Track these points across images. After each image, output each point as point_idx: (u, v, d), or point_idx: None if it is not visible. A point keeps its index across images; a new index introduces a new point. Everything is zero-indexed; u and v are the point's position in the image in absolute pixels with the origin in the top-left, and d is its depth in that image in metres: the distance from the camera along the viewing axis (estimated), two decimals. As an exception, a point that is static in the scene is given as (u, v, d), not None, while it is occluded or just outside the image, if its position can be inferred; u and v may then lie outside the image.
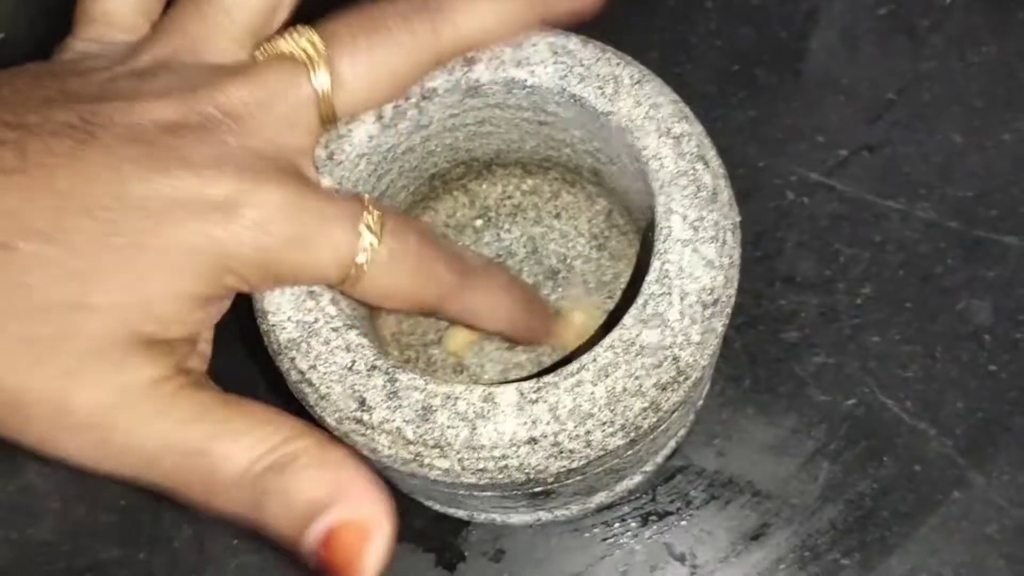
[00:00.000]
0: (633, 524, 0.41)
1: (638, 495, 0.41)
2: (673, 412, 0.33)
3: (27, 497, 0.44)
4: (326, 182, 0.34)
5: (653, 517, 0.41)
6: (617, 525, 0.41)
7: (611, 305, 0.41)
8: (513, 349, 0.41)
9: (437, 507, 0.40)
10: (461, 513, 0.40)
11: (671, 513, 0.41)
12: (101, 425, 0.24)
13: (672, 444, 0.39)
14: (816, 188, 0.45)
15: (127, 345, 0.24)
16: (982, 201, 0.44)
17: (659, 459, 0.40)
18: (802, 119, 0.46)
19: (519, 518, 0.40)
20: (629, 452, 0.33)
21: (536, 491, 0.34)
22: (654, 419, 0.31)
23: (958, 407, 0.40)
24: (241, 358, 0.45)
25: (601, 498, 0.40)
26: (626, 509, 0.41)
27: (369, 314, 0.39)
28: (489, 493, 0.34)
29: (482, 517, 0.40)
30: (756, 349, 0.42)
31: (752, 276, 0.43)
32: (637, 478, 0.39)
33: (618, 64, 0.34)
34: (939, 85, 0.46)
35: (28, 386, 0.22)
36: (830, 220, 0.44)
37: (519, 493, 0.34)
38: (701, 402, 0.39)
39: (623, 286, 0.41)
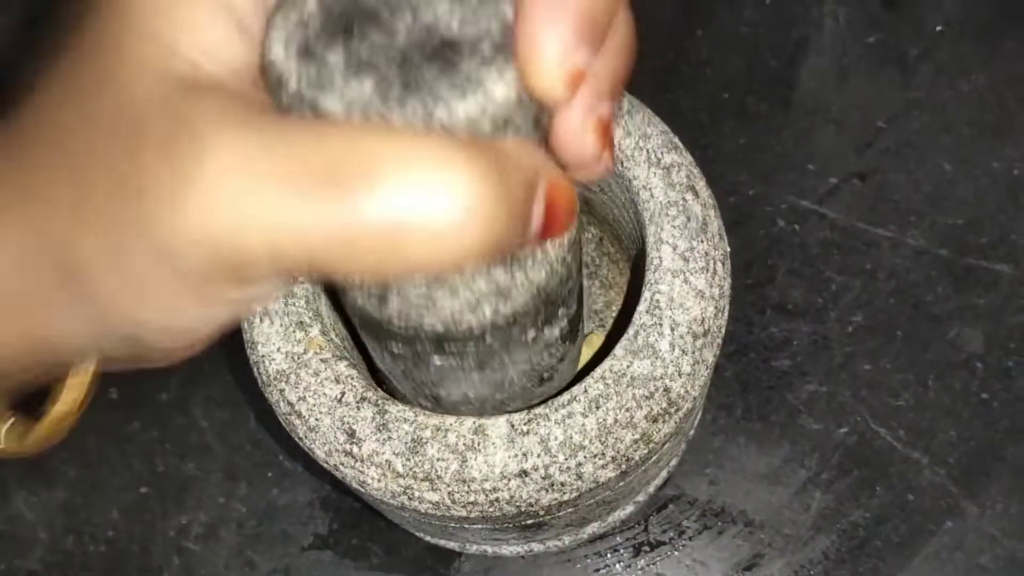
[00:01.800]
0: (626, 555, 0.41)
1: (630, 525, 0.41)
2: (664, 443, 0.33)
3: (15, 527, 0.44)
4: None
5: (646, 547, 0.41)
6: (609, 555, 0.41)
7: (603, 333, 0.41)
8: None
9: (428, 538, 0.40)
10: (452, 544, 0.40)
11: (664, 543, 0.41)
12: None
13: (664, 474, 0.39)
14: (807, 216, 0.45)
15: None
16: (972, 229, 0.44)
17: (651, 489, 0.39)
18: (793, 147, 0.47)
19: (511, 549, 0.40)
20: (620, 483, 0.33)
21: (527, 523, 0.34)
22: (645, 451, 0.31)
23: (951, 436, 0.40)
24: (231, 388, 0.45)
25: (593, 529, 0.39)
26: (618, 539, 0.41)
27: (359, 345, 0.39)
28: (480, 526, 0.34)
29: (473, 548, 0.40)
30: (748, 377, 0.42)
31: (743, 304, 0.43)
32: (629, 508, 0.39)
33: (608, 94, 0.34)
34: (929, 114, 0.46)
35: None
36: (821, 248, 0.44)
37: (510, 525, 0.34)
38: (693, 432, 0.39)
39: (614, 314, 0.41)
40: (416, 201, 0.17)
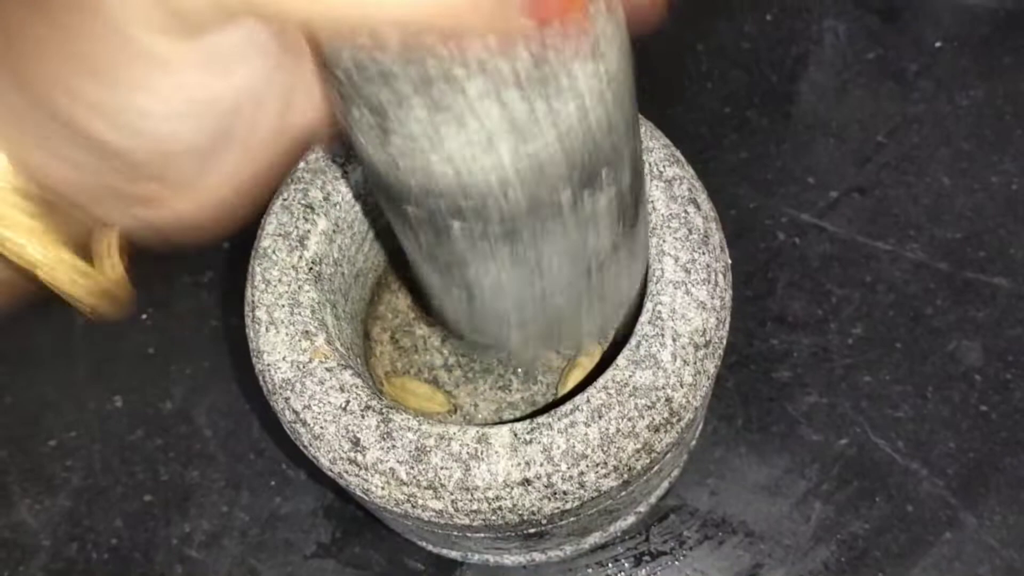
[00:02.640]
0: (627, 564, 0.41)
1: (632, 535, 0.41)
2: (666, 453, 0.33)
3: (19, 534, 0.44)
4: (322, 224, 0.34)
5: (647, 557, 0.41)
6: (611, 565, 0.41)
7: (605, 345, 0.41)
8: (507, 388, 0.41)
9: (431, 548, 0.40)
10: (454, 554, 0.40)
11: (665, 553, 0.41)
12: None
13: (665, 484, 0.39)
14: (807, 229, 0.45)
15: None
16: (971, 242, 0.44)
17: (652, 499, 0.40)
18: (793, 161, 0.47)
19: (513, 559, 0.40)
20: (622, 493, 0.33)
21: (530, 532, 0.34)
22: (647, 460, 0.31)
23: (950, 447, 0.41)
24: (234, 398, 0.45)
25: (595, 539, 0.39)
26: (620, 549, 0.41)
27: (364, 354, 0.39)
28: (482, 534, 0.34)
29: (475, 558, 0.40)
30: (748, 389, 0.43)
31: (744, 316, 0.43)
32: (631, 519, 0.39)
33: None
34: (928, 128, 0.47)
35: None
36: (821, 261, 0.45)
37: (512, 534, 0.34)
38: (694, 443, 0.39)
39: (616, 327, 0.41)
40: None
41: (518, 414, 0.40)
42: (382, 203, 0.28)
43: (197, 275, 0.48)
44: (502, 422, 0.32)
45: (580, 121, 0.23)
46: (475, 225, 0.25)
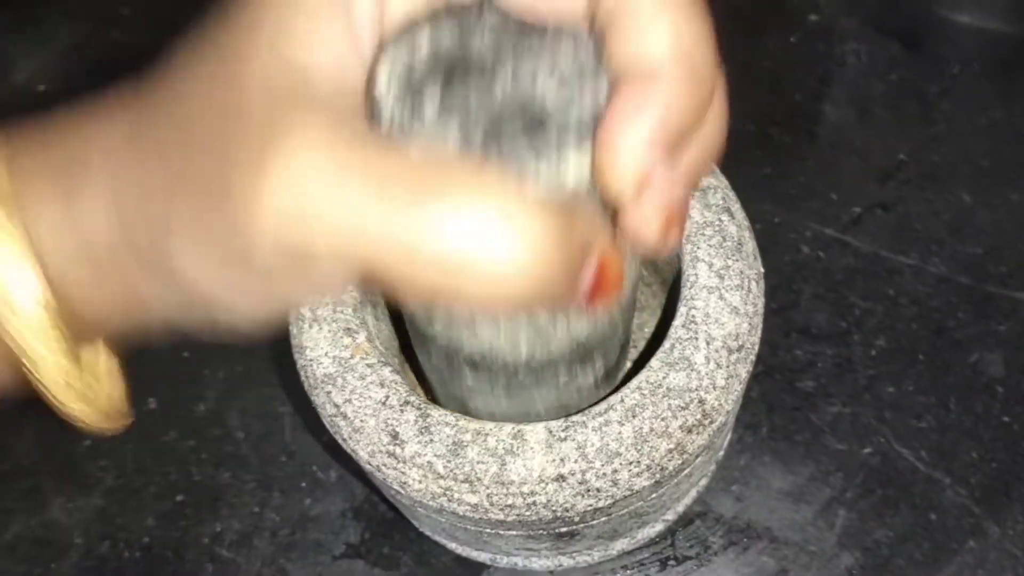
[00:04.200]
0: (652, 569, 0.42)
1: (657, 540, 0.42)
2: (697, 456, 0.33)
3: (52, 532, 0.45)
4: None
5: (672, 562, 0.41)
6: (636, 570, 0.42)
7: (635, 354, 0.42)
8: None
9: (459, 550, 0.41)
10: (483, 556, 0.41)
11: (690, 558, 0.41)
12: None
13: (693, 493, 0.40)
14: (831, 243, 0.46)
15: None
16: (991, 258, 0.45)
17: (680, 508, 0.40)
18: (816, 177, 0.48)
19: (540, 563, 0.41)
20: (653, 495, 0.34)
21: (561, 531, 0.35)
22: (679, 461, 0.32)
23: (972, 457, 0.41)
24: (267, 401, 0.46)
25: (622, 545, 0.40)
26: (645, 554, 0.42)
27: (400, 355, 0.40)
28: (515, 532, 0.35)
29: (504, 561, 0.41)
30: (773, 398, 0.43)
31: (769, 327, 0.44)
32: (658, 526, 0.40)
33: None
34: (948, 147, 0.48)
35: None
36: (844, 274, 0.45)
37: (544, 533, 0.35)
38: (722, 452, 0.40)
39: (647, 336, 0.42)
40: (481, 230, 0.18)
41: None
42: (411, 333, 0.32)
43: (231, 281, 0.49)
44: (536, 421, 0.33)
45: (589, 335, 0.28)
46: (485, 383, 0.30)
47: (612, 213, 0.21)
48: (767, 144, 0.49)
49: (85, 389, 0.24)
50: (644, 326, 0.42)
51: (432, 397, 0.38)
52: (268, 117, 0.19)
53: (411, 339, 0.33)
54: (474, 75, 0.21)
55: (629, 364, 0.41)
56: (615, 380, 0.34)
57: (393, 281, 0.19)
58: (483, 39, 0.22)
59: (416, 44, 0.22)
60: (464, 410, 0.34)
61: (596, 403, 0.32)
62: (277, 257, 0.19)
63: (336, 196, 0.18)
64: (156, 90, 0.21)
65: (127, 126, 0.21)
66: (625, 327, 0.32)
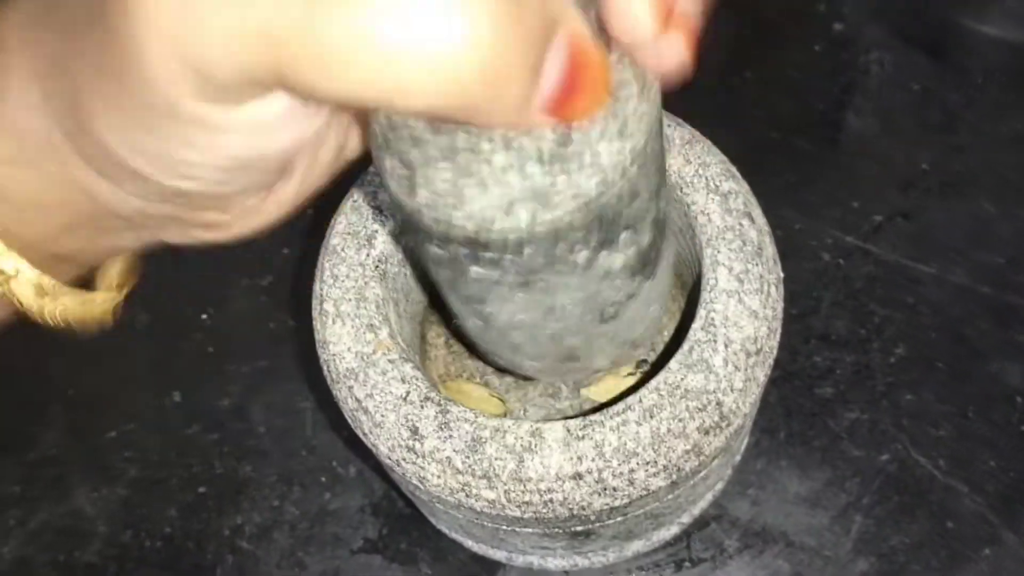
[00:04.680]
0: (667, 571, 0.42)
1: (672, 542, 0.42)
2: (714, 458, 0.34)
3: (76, 521, 0.45)
4: (389, 225, 0.35)
5: (687, 564, 0.42)
6: (651, 571, 0.42)
7: (653, 357, 0.42)
8: (556, 396, 0.42)
9: (476, 547, 0.41)
10: (499, 555, 0.41)
11: (705, 560, 0.42)
12: None
13: (709, 496, 0.40)
14: (851, 251, 0.46)
15: None
16: (1013, 267, 0.45)
17: (695, 511, 0.40)
18: (838, 185, 0.48)
19: (556, 562, 0.41)
20: (669, 496, 0.34)
21: (577, 530, 0.35)
22: (696, 463, 0.32)
23: (990, 466, 0.41)
24: (290, 396, 0.47)
25: (638, 547, 0.40)
26: (660, 555, 0.42)
27: (421, 354, 0.40)
28: (531, 530, 0.35)
29: (520, 560, 0.41)
30: (791, 403, 0.43)
31: (788, 333, 0.44)
32: (674, 529, 0.40)
33: (669, 125, 0.36)
34: (971, 156, 0.48)
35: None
36: (865, 282, 0.46)
37: (560, 531, 0.35)
38: (739, 457, 0.40)
39: (666, 339, 0.42)
40: (414, 6, 0.14)
41: (566, 420, 0.41)
42: (409, 235, 0.29)
43: (256, 278, 0.50)
44: (555, 419, 0.33)
45: (601, 193, 0.24)
46: (492, 272, 0.26)
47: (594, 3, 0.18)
48: (789, 151, 0.49)
49: (58, 293, 0.22)
50: (663, 329, 0.42)
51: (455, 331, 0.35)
52: None
53: (419, 256, 0.29)
54: None
55: (652, 358, 0.41)
56: (656, 278, 0.30)
57: (308, 85, 0.16)
58: None
59: None
60: (484, 319, 0.30)
61: (613, 403, 0.33)
62: (174, 75, 0.16)
63: None
64: None
65: (30, 3, 0.19)
66: (652, 196, 0.26)
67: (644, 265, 0.28)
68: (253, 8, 0.15)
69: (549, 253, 0.25)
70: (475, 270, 0.26)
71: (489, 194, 0.23)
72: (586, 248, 0.26)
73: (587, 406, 0.42)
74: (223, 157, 0.18)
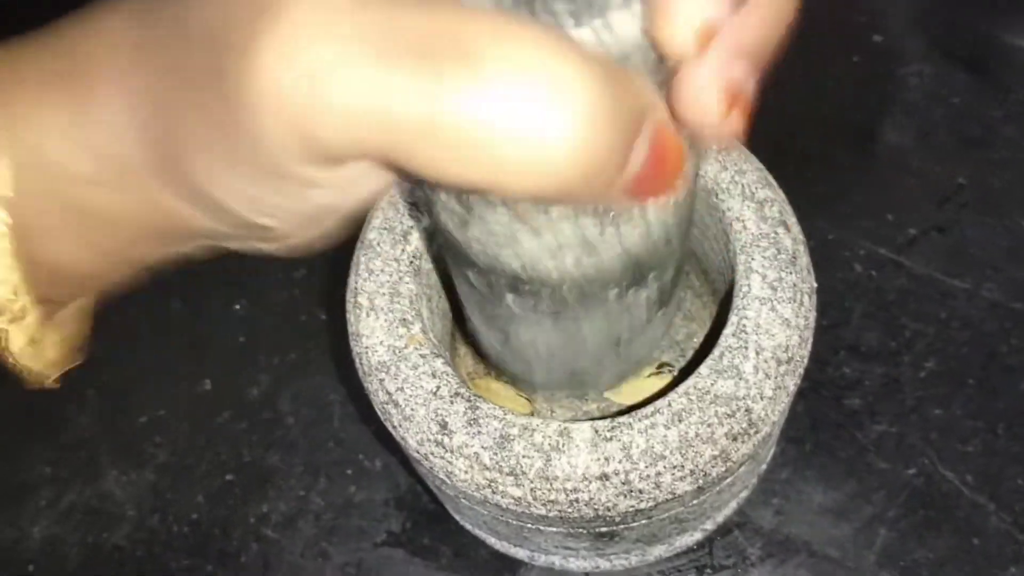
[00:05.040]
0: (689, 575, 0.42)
1: (695, 548, 0.42)
2: (741, 465, 0.34)
3: (105, 504, 0.46)
4: (424, 222, 0.35)
5: (708, 570, 0.42)
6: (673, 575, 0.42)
7: (682, 362, 0.42)
8: (583, 399, 0.42)
9: (499, 545, 0.41)
10: (521, 554, 0.41)
11: (726, 567, 0.42)
12: None
13: (733, 504, 0.40)
14: (884, 263, 0.46)
15: None
16: (1048, 286, 0.45)
17: (720, 518, 0.40)
18: (873, 198, 0.48)
19: (578, 563, 0.41)
20: (695, 501, 0.34)
21: (601, 531, 0.35)
22: (723, 468, 0.32)
23: (1018, 484, 0.41)
24: (319, 388, 0.47)
25: (660, 551, 0.40)
26: (682, 560, 0.42)
27: (450, 349, 0.40)
28: (555, 529, 0.35)
29: (542, 560, 0.41)
30: (819, 414, 0.43)
31: (818, 343, 0.44)
32: (697, 535, 0.40)
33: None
34: (1009, 172, 0.48)
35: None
36: (897, 295, 0.45)
37: (584, 531, 0.35)
38: (765, 465, 0.40)
39: (695, 346, 0.42)
40: (516, 97, 0.15)
41: (593, 422, 0.42)
42: (447, 259, 0.30)
43: (290, 271, 0.50)
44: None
45: (642, 241, 0.25)
46: (526, 302, 0.27)
47: (666, 86, 0.19)
48: (825, 161, 0.49)
49: (34, 331, 0.22)
50: (694, 336, 0.42)
51: (473, 343, 0.36)
52: None
53: (450, 270, 0.31)
54: None
55: (680, 364, 0.41)
56: (670, 306, 0.32)
57: (418, 166, 0.16)
58: None
59: None
60: (504, 335, 0.32)
61: (643, 405, 0.33)
62: (289, 152, 0.17)
63: (337, 58, 0.15)
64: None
65: (131, 30, 0.19)
66: (680, 241, 0.28)
67: (663, 298, 0.30)
68: (375, 94, 0.15)
69: (584, 291, 0.27)
70: (511, 298, 0.28)
71: (541, 240, 0.24)
72: (618, 287, 0.27)
73: (614, 409, 0.42)
74: (311, 206, 0.19)
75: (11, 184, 0.20)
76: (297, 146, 0.17)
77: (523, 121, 0.15)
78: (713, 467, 0.32)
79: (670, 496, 0.32)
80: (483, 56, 0.15)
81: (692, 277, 0.42)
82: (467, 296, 0.31)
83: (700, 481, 0.32)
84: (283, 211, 0.19)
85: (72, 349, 0.25)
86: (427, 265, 0.37)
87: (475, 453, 0.32)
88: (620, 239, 0.25)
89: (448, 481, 0.33)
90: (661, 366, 0.41)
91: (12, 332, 0.22)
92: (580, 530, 0.35)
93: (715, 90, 0.18)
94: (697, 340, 0.42)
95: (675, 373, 0.41)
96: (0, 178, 0.20)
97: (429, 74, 0.15)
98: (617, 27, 0.17)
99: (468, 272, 0.28)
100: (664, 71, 0.18)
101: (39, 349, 0.23)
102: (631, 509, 0.32)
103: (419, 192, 0.26)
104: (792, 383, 0.33)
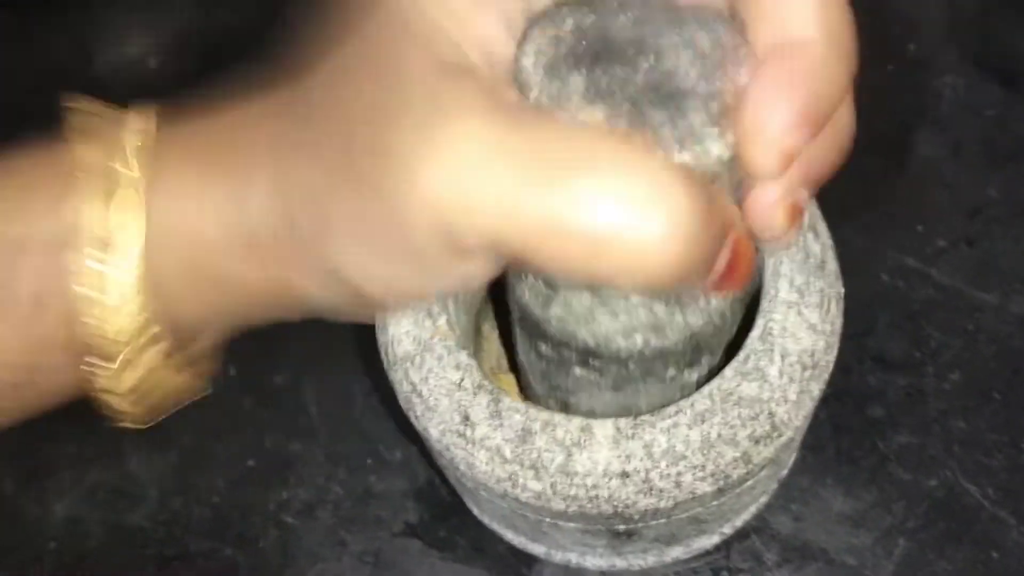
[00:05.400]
0: (705, 577, 0.42)
1: (711, 551, 0.42)
2: (763, 468, 0.34)
3: (128, 484, 0.46)
4: None
5: (724, 572, 0.42)
6: (689, 577, 0.42)
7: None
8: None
9: (515, 540, 0.41)
10: (538, 549, 0.41)
11: (743, 571, 0.42)
12: None
13: (753, 509, 0.40)
14: (911, 274, 0.46)
15: None
16: (1078, 302, 0.44)
17: (738, 522, 0.40)
18: (902, 208, 0.48)
19: (594, 561, 0.41)
20: (715, 503, 0.34)
21: (619, 529, 0.35)
22: (744, 471, 0.32)
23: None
24: (341, 379, 0.48)
25: (677, 553, 0.40)
26: (699, 563, 0.42)
27: (474, 346, 0.41)
28: (573, 525, 0.35)
29: (558, 556, 0.41)
30: (841, 422, 0.43)
31: (842, 351, 0.44)
32: (715, 538, 0.40)
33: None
34: (1042, 186, 0.47)
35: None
36: (923, 306, 0.45)
37: (602, 529, 0.35)
38: (786, 471, 0.40)
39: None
40: (630, 206, 0.18)
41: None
42: (518, 329, 0.33)
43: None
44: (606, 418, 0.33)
45: (703, 328, 0.29)
46: (593, 375, 0.30)
47: (740, 197, 0.22)
48: (855, 171, 0.48)
49: (144, 384, 0.25)
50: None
51: (528, 396, 0.38)
52: (425, 97, 0.19)
53: (516, 333, 0.33)
54: (617, 56, 0.21)
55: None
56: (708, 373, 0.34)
57: (540, 260, 0.19)
58: (626, 20, 0.22)
59: (561, 24, 0.22)
60: (564, 404, 0.34)
61: (667, 405, 0.33)
62: (433, 247, 0.19)
63: (491, 175, 0.18)
64: (306, 78, 0.22)
65: (283, 116, 0.22)
66: (733, 323, 0.32)
67: (709, 376, 0.33)
68: (517, 203, 0.18)
69: (648, 368, 0.30)
70: (578, 371, 0.31)
71: (617, 322, 0.27)
72: (676, 368, 0.31)
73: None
74: (437, 287, 0.22)
75: (143, 238, 0.22)
76: (441, 243, 0.19)
77: (634, 225, 0.18)
78: (734, 469, 0.32)
79: (690, 496, 0.32)
80: (604, 167, 0.18)
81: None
82: (533, 365, 0.34)
83: (721, 482, 0.32)
84: (408, 288, 0.22)
85: (170, 398, 0.27)
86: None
87: (496, 446, 0.32)
88: (685, 324, 0.28)
89: (468, 472, 0.33)
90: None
91: (127, 375, 0.24)
92: (598, 527, 0.35)
93: (782, 209, 0.21)
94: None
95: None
96: (137, 231, 0.22)
97: (556, 182, 0.18)
98: (713, 153, 0.20)
99: (540, 344, 0.31)
100: (741, 190, 0.22)
101: (145, 393, 0.25)
102: (650, 508, 0.32)
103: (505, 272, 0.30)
104: (817, 388, 0.33)
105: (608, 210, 0.18)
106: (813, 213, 0.36)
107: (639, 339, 0.28)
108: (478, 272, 0.21)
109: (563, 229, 0.18)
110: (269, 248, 0.22)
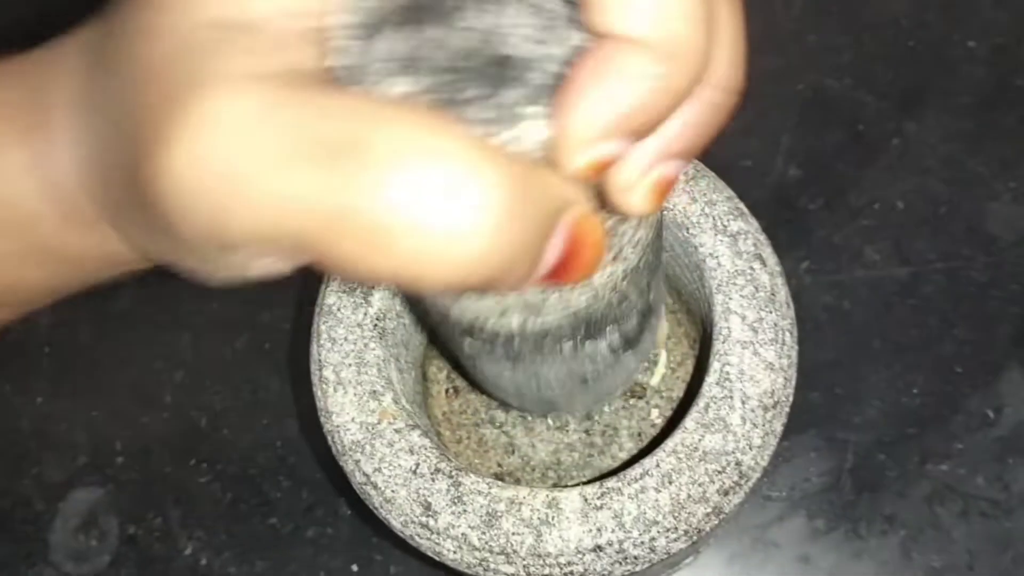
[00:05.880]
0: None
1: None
2: (733, 513, 0.33)
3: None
4: None
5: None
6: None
7: (672, 401, 0.40)
8: (564, 429, 0.41)
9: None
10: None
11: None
12: None
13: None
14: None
15: None
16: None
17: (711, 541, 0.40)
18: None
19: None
20: (689, 553, 0.34)
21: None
22: (716, 522, 0.32)
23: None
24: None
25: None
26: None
27: (423, 397, 0.39)
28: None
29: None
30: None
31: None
32: (688, 560, 0.40)
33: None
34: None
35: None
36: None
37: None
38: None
39: (685, 374, 0.40)
40: (420, 190, 0.15)
41: (576, 456, 0.41)
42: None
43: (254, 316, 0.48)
44: (571, 485, 0.32)
45: (590, 303, 0.25)
46: (483, 347, 0.28)
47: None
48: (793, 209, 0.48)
49: None
50: (678, 368, 0.41)
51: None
52: (187, 57, 0.16)
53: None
54: (432, 12, 0.18)
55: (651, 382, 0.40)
56: (640, 346, 0.32)
57: (327, 260, 0.16)
58: None
59: None
60: (476, 371, 0.32)
61: (629, 465, 0.32)
62: (191, 227, 0.17)
63: (246, 158, 0.15)
64: (110, 23, 0.18)
65: (82, 70, 0.19)
66: (640, 293, 0.28)
67: (628, 342, 0.30)
68: (286, 193, 0.15)
69: (537, 345, 0.27)
70: (468, 343, 0.28)
71: (484, 302, 0.24)
72: (571, 341, 0.27)
73: (597, 439, 0.41)
74: (226, 272, 0.19)
75: None
76: (208, 237, 0.17)
77: (428, 214, 0.15)
78: (707, 523, 0.31)
79: (665, 556, 0.32)
80: (385, 147, 0.15)
81: (680, 315, 0.41)
82: (439, 331, 0.31)
83: (694, 537, 0.32)
84: (200, 271, 0.19)
85: None
86: (391, 323, 0.35)
87: (463, 534, 0.31)
88: (564, 303, 0.25)
89: (437, 559, 0.32)
90: (635, 387, 0.40)
91: None
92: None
93: (644, 187, 0.19)
94: (685, 366, 0.41)
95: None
96: None
97: (336, 168, 0.15)
98: (532, 137, 0.17)
99: (428, 314, 0.28)
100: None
101: None
102: (627, 573, 0.32)
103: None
104: (780, 425, 0.33)
105: (402, 197, 0.15)
106: (759, 239, 0.34)
107: (514, 320, 0.25)
108: (263, 266, 0.18)
109: (336, 217, 0.15)
110: (78, 206, 0.19)
